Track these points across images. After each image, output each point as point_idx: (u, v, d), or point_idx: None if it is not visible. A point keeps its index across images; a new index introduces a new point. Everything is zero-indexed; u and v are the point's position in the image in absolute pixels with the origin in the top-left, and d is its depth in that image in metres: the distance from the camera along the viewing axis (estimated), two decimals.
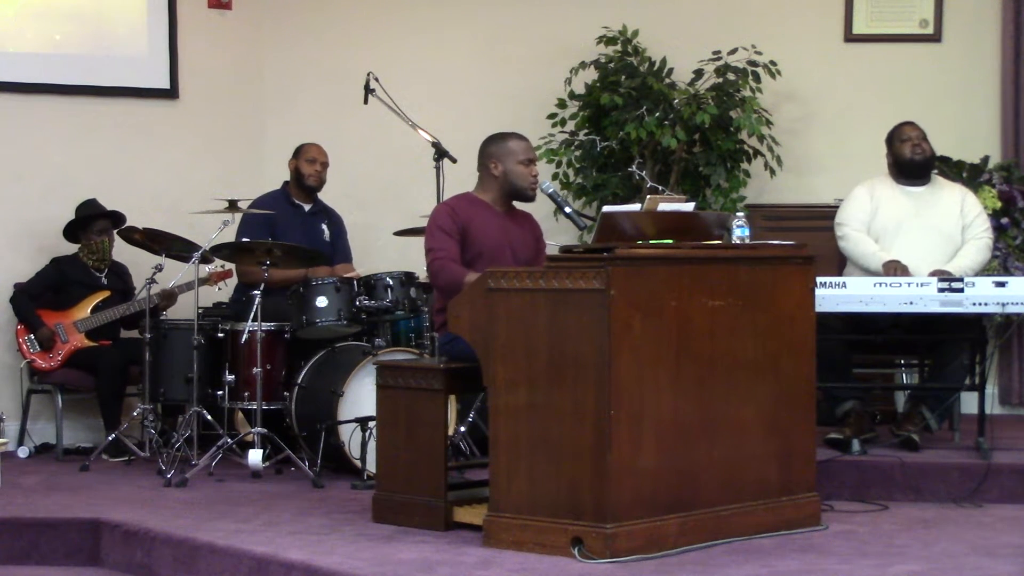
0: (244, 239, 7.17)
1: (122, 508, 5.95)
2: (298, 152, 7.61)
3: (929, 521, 5.73)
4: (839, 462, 6.28)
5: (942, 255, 6.77)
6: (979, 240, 6.82)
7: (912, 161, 6.87)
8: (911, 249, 6.77)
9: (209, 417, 6.94)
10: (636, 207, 5.99)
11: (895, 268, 6.64)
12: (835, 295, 6.32)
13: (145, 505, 6.03)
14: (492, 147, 5.90)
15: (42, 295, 7.66)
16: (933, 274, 6.51)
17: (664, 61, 8.30)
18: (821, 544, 5.25)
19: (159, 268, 7.13)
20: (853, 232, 6.89)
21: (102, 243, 7.70)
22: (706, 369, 5.20)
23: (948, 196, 6.92)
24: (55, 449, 7.59)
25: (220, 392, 6.97)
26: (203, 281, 7.45)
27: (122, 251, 7.80)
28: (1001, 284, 6.24)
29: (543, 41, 8.59)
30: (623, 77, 8.14)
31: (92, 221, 7.73)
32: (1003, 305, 6.23)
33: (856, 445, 6.45)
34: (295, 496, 6.26)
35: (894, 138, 6.94)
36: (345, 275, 7.17)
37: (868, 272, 6.69)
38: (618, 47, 8.29)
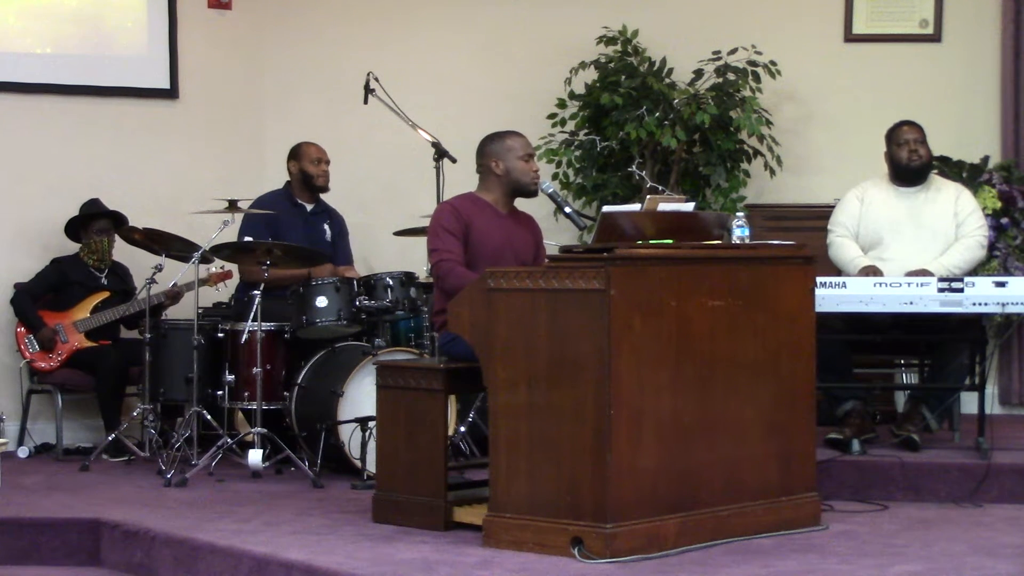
0: (247, 238, 7.16)
1: (122, 508, 5.95)
2: (298, 154, 7.57)
3: (929, 521, 5.73)
4: (839, 462, 6.28)
5: (937, 255, 6.76)
6: (969, 238, 6.81)
7: (908, 167, 6.86)
8: (906, 250, 6.77)
9: (209, 417, 6.95)
10: (636, 207, 6.00)
11: (869, 273, 6.64)
12: (835, 295, 6.32)
13: (145, 505, 6.03)
14: (491, 146, 5.89)
15: (42, 296, 7.66)
16: (911, 274, 6.51)
17: (664, 61, 8.30)
18: (821, 544, 5.25)
19: (159, 268, 7.13)
20: (837, 238, 6.92)
21: (102, 243, 7.70)
22: (706, 369, 5.20)
23: (943, 196, 6.91)
24: (55, 449, 7.59)
25: (220, 392, 6.97)
26: (202, 282, 7.45)
27: (122, 251, 7.80)
28: (1001, 284, 6.24)
29: (543, 41, 8.59)
30: (623, 77, 8.14)
31: (93, 220, 7.74)
32: (1003, 305, 6.22)
33: (856, 445, 6.45)
34: (295, 496, 6.26)
35: (892, 139, 6.92)
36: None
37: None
38: (618, 47, 8.29)
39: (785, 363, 5.45)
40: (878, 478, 6.23)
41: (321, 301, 6.89)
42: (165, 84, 8.35)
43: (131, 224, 7.67)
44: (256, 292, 6.78)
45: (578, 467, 4.96)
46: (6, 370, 7.82)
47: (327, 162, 7.57)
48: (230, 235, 7.21)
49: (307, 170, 7.53)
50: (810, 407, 5.58)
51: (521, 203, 6.01)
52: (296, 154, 7.58)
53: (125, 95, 8.27)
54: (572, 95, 8.33)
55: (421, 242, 6.93)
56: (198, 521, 5.66)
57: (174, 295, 7.44)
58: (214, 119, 8.52)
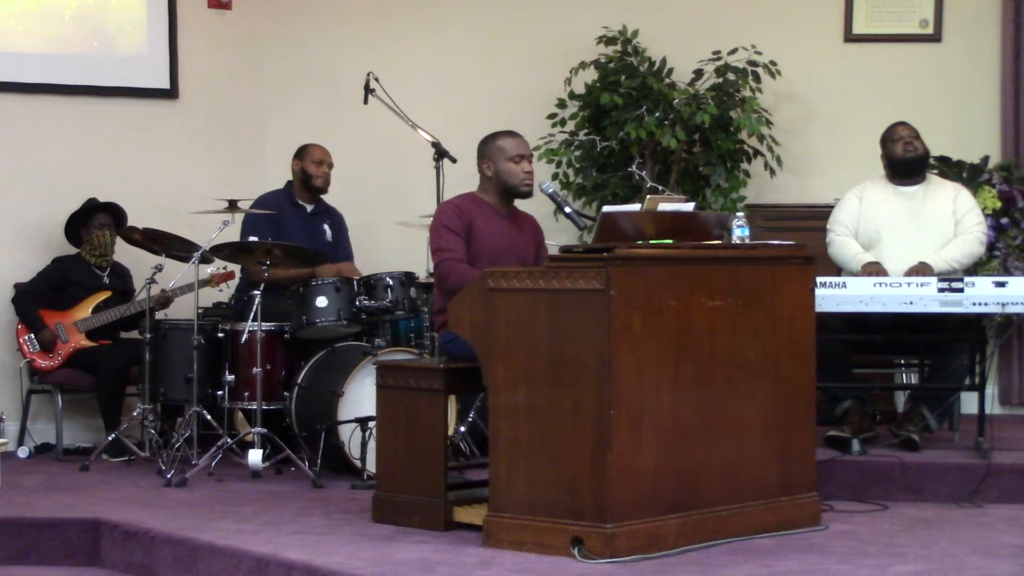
0: (252, 238, 7.14)
1: (122, 508, 5.95)
2: (303, 153, 7.60)
3: (929, 521, 5.73)
4: (839, 462, 6.28)
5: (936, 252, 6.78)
6: (968, 235, 6.82)
7: (904, 160, 6.89)
8: (905, 248, 6.77)
9: (209, 417, 6.94)
10: (636, 207, 5.99)
11: (872, 270, 6.64)
12: (835, 295, 6.32)
13: (145, 505, 6.03)
14: (484, 148, 5.90)
15: (43, 295, 7.66)
16: (910, 271, 6.51)
17: (664, 61, 8.30)
18: (821, 544, 5.25)
19: (159, 268, 7.13)
20: (837, 237, 6.93)
21: (104, 236, 7.70)
22: (706, 369, 5.20)
23: (941, 194, 6.93)
24: (55, 449, 7.59)
25: (220, 392, 6.98)
26: (205, 283, 7.45)
27: (122, 251, 7.80)
28: (1001, 284, 6.24)
29: (543, 41, 8.59)
30: (623, 77, 8.15)
31: (92, 215, 7.74)
32: (1003, 305, 6.23)
33: (856, 445, 6.45)
34: (295, 496, 6.26)
35: (887, 139, 6.96)
36: (349, 275, 7.19)
37: (854, 275, 6.69)
38: (618, 47, 8.29)
39: (785, 363, 5.46)
40: (878, 478, 6.23)
41: (321, 301, 6.90)
42: (165, 84, 8.36)
43: (131, 224, 7.67)
44: (256, 292, 6.78)
45: (578, 467, 4.96)
46: (6, 370, 7.82)
47: (329, 165, 7.59)
48: (230, 235, 7.21)
49: (308, 170, 7.55)
50: (810, 407, 5.58)
51: (521, 203, 6.00)
52: (301, 153, 7.61)
53: (125, 95, 8.27)
54: (572, 95, 8.34)
55: (422, 242, 6.93)
56: (198, 521, 5.66)
57: (164, 301, 7.45)
58: (214, 119, 8.52)
